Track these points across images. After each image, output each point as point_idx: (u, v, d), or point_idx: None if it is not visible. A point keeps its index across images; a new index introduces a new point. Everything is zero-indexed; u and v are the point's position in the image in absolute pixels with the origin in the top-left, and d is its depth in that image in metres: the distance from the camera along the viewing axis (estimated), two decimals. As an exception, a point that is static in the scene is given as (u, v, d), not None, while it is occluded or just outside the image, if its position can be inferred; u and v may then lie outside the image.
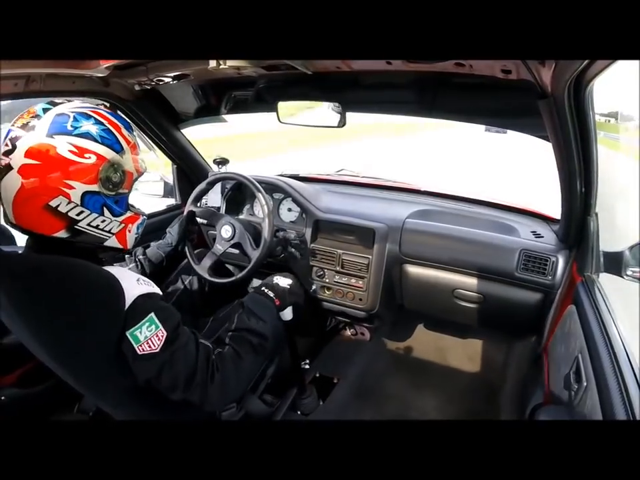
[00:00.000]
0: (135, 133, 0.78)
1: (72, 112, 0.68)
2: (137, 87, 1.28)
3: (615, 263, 0.97)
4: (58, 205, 0.65)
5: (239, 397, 0.80)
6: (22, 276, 0.64)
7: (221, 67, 0.96)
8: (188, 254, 1.21)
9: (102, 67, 1.00)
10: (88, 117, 0.69)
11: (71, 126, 0.66)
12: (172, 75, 1.15)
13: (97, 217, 0.70)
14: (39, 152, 0.64)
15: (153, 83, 1.23)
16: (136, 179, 0.77)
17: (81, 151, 0.66)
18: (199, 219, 1.26)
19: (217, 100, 1.50)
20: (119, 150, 0.71)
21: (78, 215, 0.68)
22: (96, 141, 0.68)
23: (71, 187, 0.65)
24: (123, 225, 0.75)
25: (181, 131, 1.62)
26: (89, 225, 0.69)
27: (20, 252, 0.74)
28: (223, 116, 1.61)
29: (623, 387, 0.62)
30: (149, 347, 0.66)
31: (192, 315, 1.15)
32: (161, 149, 1.60)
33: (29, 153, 0.63)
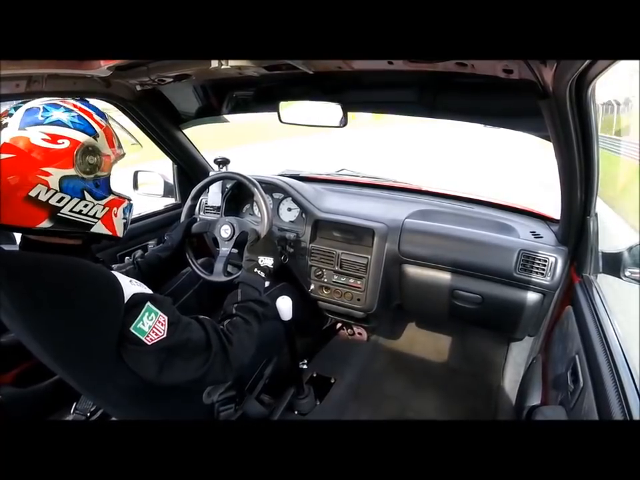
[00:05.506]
0: (108, 117, 0.78)
1: (41, 104, 0.69)
2: (138, 88, 1.28)
3: (613, 264, 0.97)
4: (37, 194, 0.65)
5: (249, 361, 0.84)
6: (22, 275, 0.63)
7: (222, 67, 0.96)
8: (197, 271, 1.17)
9: (103, 68, 1.00)
10: (57, 106, 0.70)
11: (42, 116, 0.67)
12: (173, 75, 1.15)
13: (78, 202, 0.70)
14: (12, 145, 0.64)
15: (155, 83, 1.23)
16: (115, 162, 0.77)
17: (54, 138, 0.66)
18: (196, 231, 1.20)
19: (218, 100, 1.50)
20: (92, 133, 0.71)
21: (59, 201, 0.67)
22: (68, 126, 0.68)
23: (48, 174, 0.65)
24: (107, 208, 0.75)
25: (182, 130, 1.62)
26: (71, 211, 0.69)
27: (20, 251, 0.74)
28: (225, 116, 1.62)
29: (619, 387, 0.62)
30: (156, 334, 0.67)
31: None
32: (162, 148, 1.61)
33: (3, 149, 0.64)
